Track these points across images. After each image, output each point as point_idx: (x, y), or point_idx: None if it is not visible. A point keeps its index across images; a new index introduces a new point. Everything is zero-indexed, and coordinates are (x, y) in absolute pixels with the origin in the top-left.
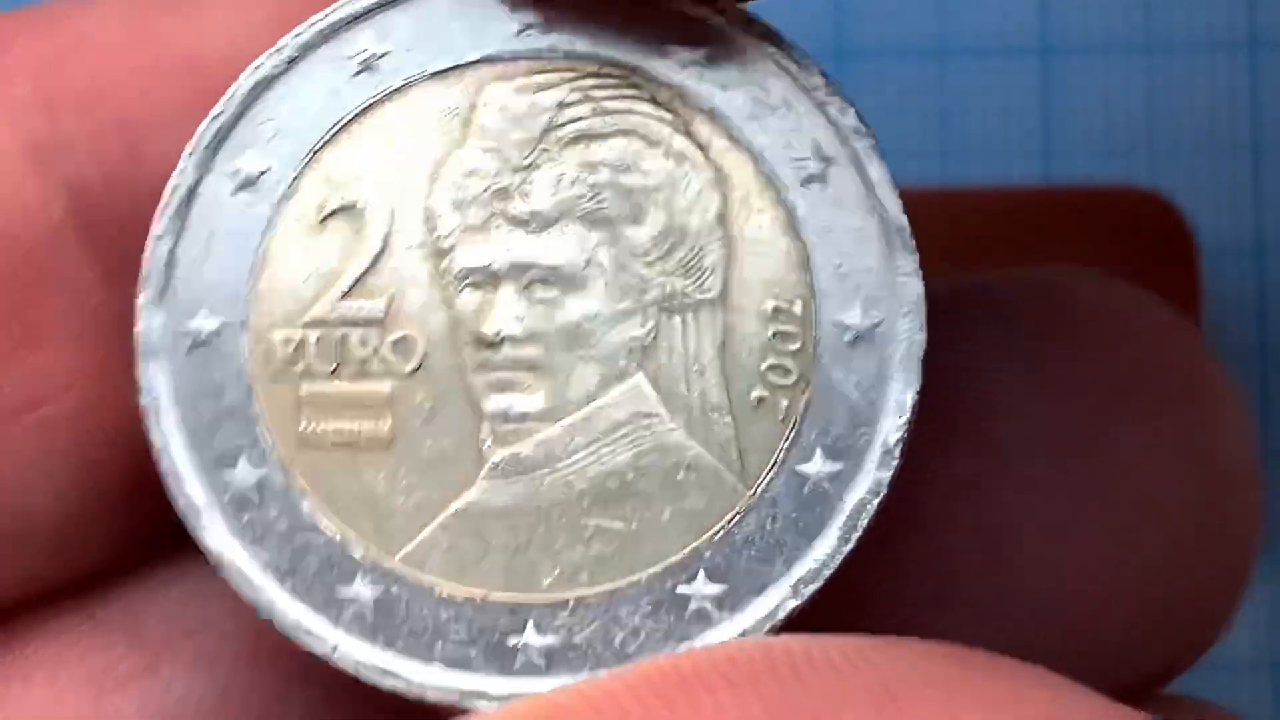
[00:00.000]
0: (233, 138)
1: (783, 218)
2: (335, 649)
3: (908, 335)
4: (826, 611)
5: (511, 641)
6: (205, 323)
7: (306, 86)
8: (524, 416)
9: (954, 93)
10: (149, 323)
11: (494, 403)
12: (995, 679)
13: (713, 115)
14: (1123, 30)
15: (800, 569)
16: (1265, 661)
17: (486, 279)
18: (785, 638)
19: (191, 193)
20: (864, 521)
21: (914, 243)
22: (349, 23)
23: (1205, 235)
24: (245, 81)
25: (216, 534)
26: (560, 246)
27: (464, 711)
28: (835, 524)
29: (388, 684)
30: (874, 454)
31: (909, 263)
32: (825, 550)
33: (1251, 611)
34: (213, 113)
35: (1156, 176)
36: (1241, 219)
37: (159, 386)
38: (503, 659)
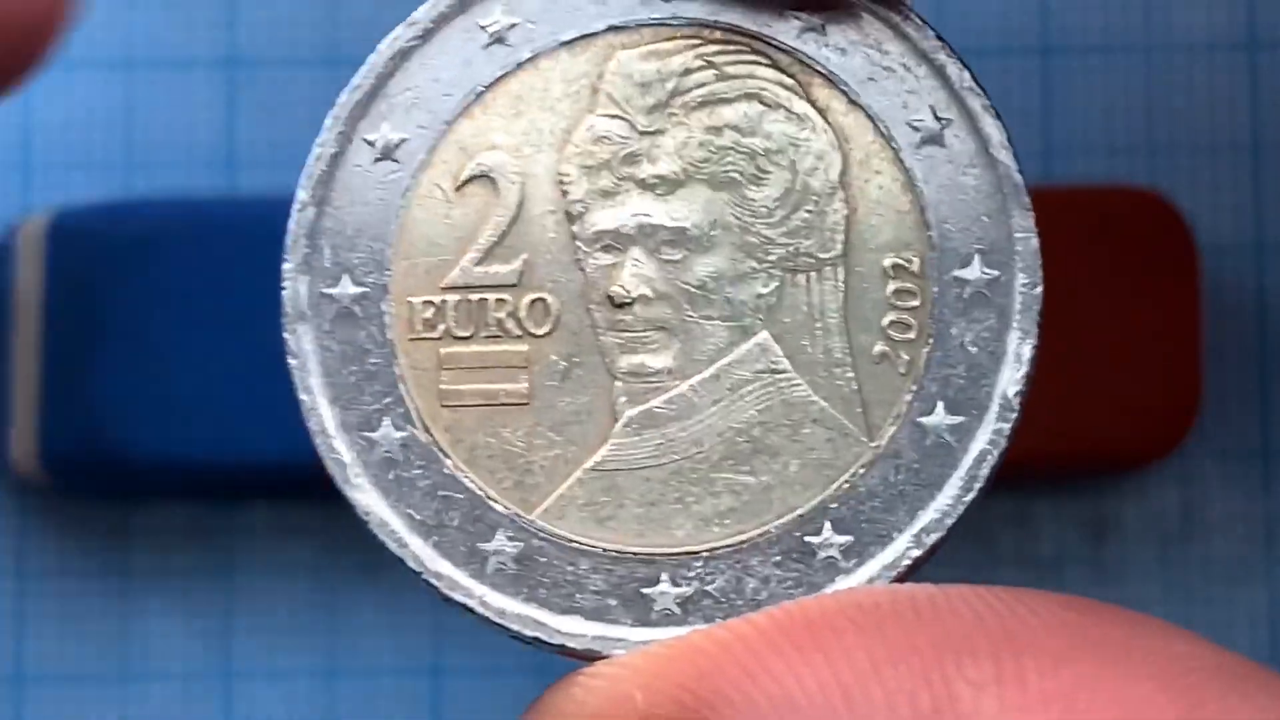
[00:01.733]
0: (372, 108)
1: (901, 178)
2: (481, 600)
3: (1025, 289)
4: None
5: (647, 591)
6: (348, 289)
7: (441, 57)
8: (655, 374)
9: None
10: (295, 289)
11: (626, 361)
12: (1113, 628)
13: (831, 79)
14: (1122, 30)
15: (924, 519)
16: (1265, 660)
17: (616, 241)
18: (910, 585)
19: (334, 162)
20: (984, 471)
21: (1029, 199)
22: None
23: (1205, 235)
24: (384, 53)
25: (364, 491)
26: (686, 209)
27: (603, 656)
28: (957, 474)
29: (530, 633)
30: (994, 406)
31: (1024, 219)
32: (948, 500)
33: (1252, 611)
34: (352, 84)
35: (1156, 176)
36: (1241, 219)
37: (305, 349)
38: (640, 608)
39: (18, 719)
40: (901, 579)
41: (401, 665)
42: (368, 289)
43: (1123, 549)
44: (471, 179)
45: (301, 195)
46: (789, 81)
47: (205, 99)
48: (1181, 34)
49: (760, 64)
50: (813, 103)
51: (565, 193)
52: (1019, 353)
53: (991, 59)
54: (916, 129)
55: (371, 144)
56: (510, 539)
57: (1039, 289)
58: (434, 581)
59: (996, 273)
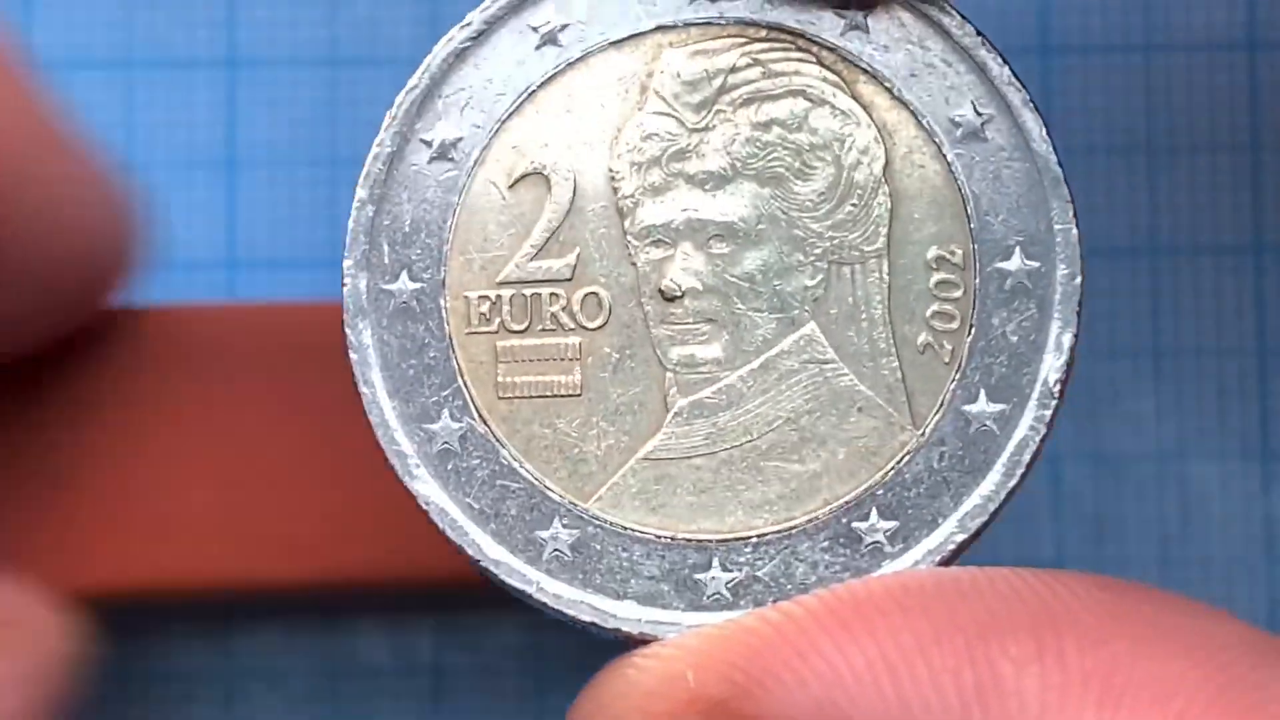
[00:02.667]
0: (427, 108)
1: (943, 171)
2: (537, 587)
3: (1065, 280)
4: None
5: (699, 576)
6: (407, 284)
7: (494, 58)
8: (705, 365)
9: None
10: (355, 285)
11: (676, 353)
12: (1146, 607)
13: (875, 75)
14: (1122, 30)
15: (968, 504)
16: None
17: (666, 236)
18: (954, 568)
19: (391, 161)
20: (1027, 457)
21: (1068, 190)
22: None
23: (1204, 235)
24: (439, 54)
25: (425, 481)
26: (734, 204)
27: (656, 639)
28: (1000, 460)
29: (586, 619)
30: (1035, 393)
31: (1064, 210)
32: (991, 486)
33: (1252, 611)
34: (408, 84)
35: (1156, 176)
36: (1241, 219)
37: (366, 343)
38: (692, 593)
39: None
40: (946, 563)
41: (401, 665)
42: (425, 284)
43: (1123, 549)
44: (525, 176)
45: (360, 194)
46: (833, 78)
47: (205, 99)
48: (1181, 34)
49: (806, 61)
50: (857, 99)
51: (616, 189)
52: (1060, 341)
53: None
54: (958, 124)
55: (428, 143)
56: (566, 526)
57: (1079, 279)
58: (492, 569)
59: (1037, 264)
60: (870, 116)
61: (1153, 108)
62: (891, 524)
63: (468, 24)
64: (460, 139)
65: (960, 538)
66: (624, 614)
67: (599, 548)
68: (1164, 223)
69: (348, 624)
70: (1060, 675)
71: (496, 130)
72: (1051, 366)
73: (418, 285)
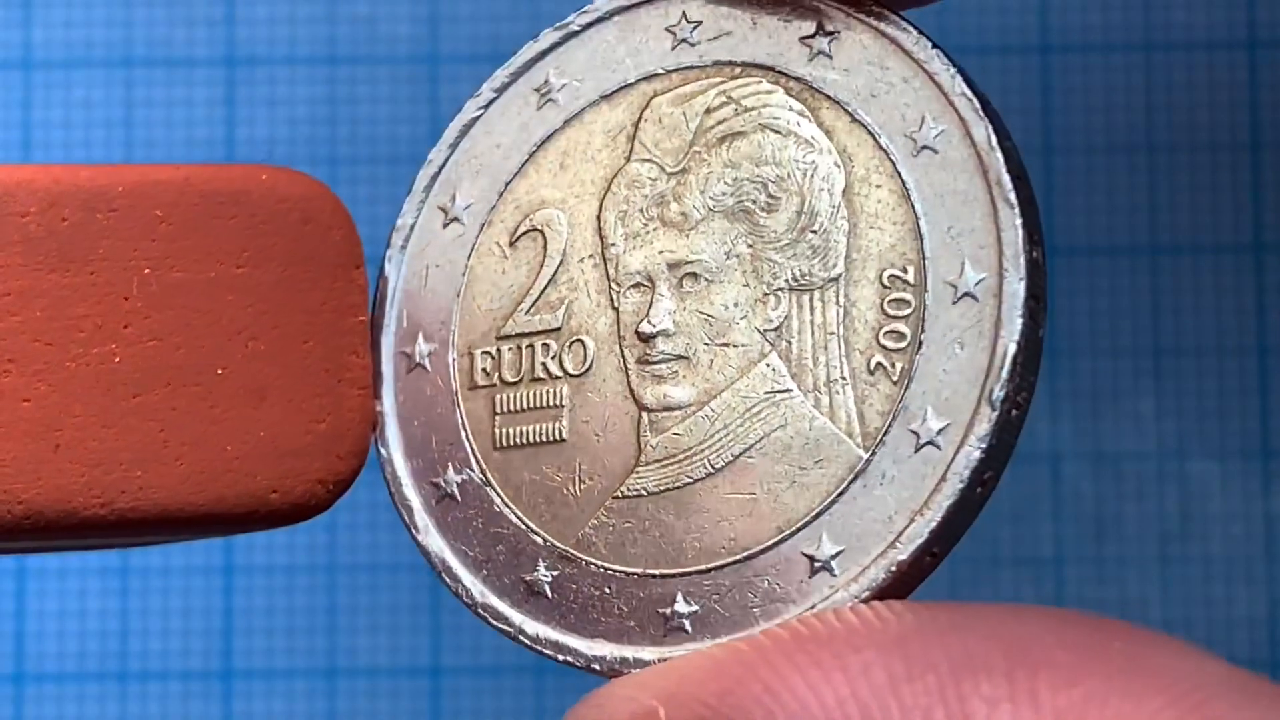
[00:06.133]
0: (442, 177)
1: (898, 189)
2: (519, 629)
3: (1008, 287)
4: None
5: (663, 610)
6: (422, 346)
7: (501, 123)
8: (676, 405)
9: None
10: (380, 350)
11: (651, 393)
12: (1125, 644)
13: (836, 100)
14: (1122, 29)
15: (914, 524)
16: (1265, 660)
17: (646, 280)
18: (930, 603)
19: (411, 231)
20: (969, 474)
21: (1015, 195)
22: (535, 60)
23: (1204, 234)
24: (453, 127)
25: (430, 535)
26: (704, 243)
27: (620, 674)
28: (944, 479)
29: (562, 659)
30: (978, 408)
31: (1010, 216)
32: (935, 505)
33: (1251, 611)
34: (429, 158)
35: (1155, 175)
36: (1242, 219)
37: (386, 405)
38: (657, 627)
39: (18, 718)
40: (900, 584)
41: (401, 665)
42: (437, 345)
43: (1122, 549)
44: (524, 234)
45: (388, 270)
46: (798, 106)
47: (205, 98)
48: (1181, 33)
49: (774, 93)
50: (820, 125)
51: (603, 238)
52: (1004, 352)
53: (992, 58)
54: (912, 139)
55: (444, 210)
56: (548, 568)
57: (1021, 283)
58: (483, 613)
59: (984, 274)
60: (831, 141)
61: (1153, 108)
62: (839, 548)
63: (479, 94)
64: (471, 204)
65: (902, 559)
66: (596, 652)
67: (575, 587)
68: (1164, 223)
69: (348, 625)
70: (1033, 714)
71: (501, 191)
72: (994, 379)
73: (431, 346)
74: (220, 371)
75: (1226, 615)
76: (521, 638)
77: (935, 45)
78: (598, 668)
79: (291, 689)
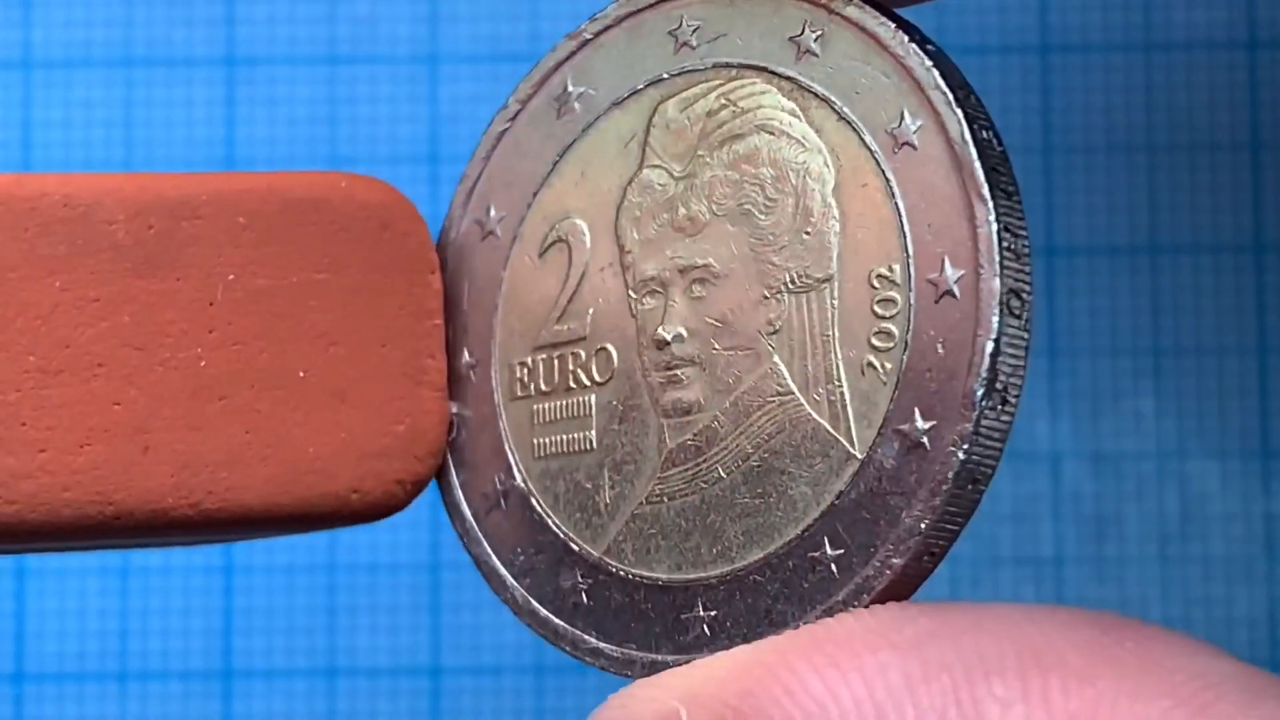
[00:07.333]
0: (477, 190)
1: (882, 186)
2: (559, 634)
3: (984, 283)
4: None
5: (685, 616)
6: (467, 359)
7: (526, 135)
8: (689, 408)
9: None
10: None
11: (666, 398)
12: (1136, 643)
13: (823, 98)
14: (1122, 29)
15: (904, 525)
16: (1265, 660)
17: (659, 286)
18: (945, 604)
19: (452, 245)
20: (951, 473)
21: (988, 190)
22: (554, 70)
23: (1204, 234)
24: (485, 141)
25: (480, 545)
26: (710, 247)
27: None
28: (930, 478)
29: (600, 664)
30: (960, 405)
31: (984, 210)
32: (921, 505)
33: (1252, 611)
34: (465, 173)
35: (1155, 174)
36: (1241, 219)
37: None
38: (678, 632)
39: (18, 718)
40: (897, 586)
41: (401, 665)
42: (479, 358)
43: (1123, 549)
44: (552, 244)
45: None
46: (790, 105)
47: (205, 98)
48: (1181, 33)
49: (768, 93)
50: (810, 124)
51: (621, 246)
52: (981, 349)
53: (992, 58)
54: (893, 135)
55: (480, 224)
56: (583, 576)
57: (996, 281)
58: (529, 620)
59: (962, 271)
60: (821, 140)
61: (1153, 107)
62: (839, 551)
63: (506, 107)
64: (504, 216)
65: (897, 561)
66: (626, 656)
67: (608, 594)
68: (1164, 223)
69: (348, 625)
70: (1044, 716)
71: (530, 203)
72: (974, 376)
73: (474, 359)
74: (302, 375)
75: (1226, 615)
76: (563, 644)
77: (914, 40)
78: (629, 674)
79: (291, 689)
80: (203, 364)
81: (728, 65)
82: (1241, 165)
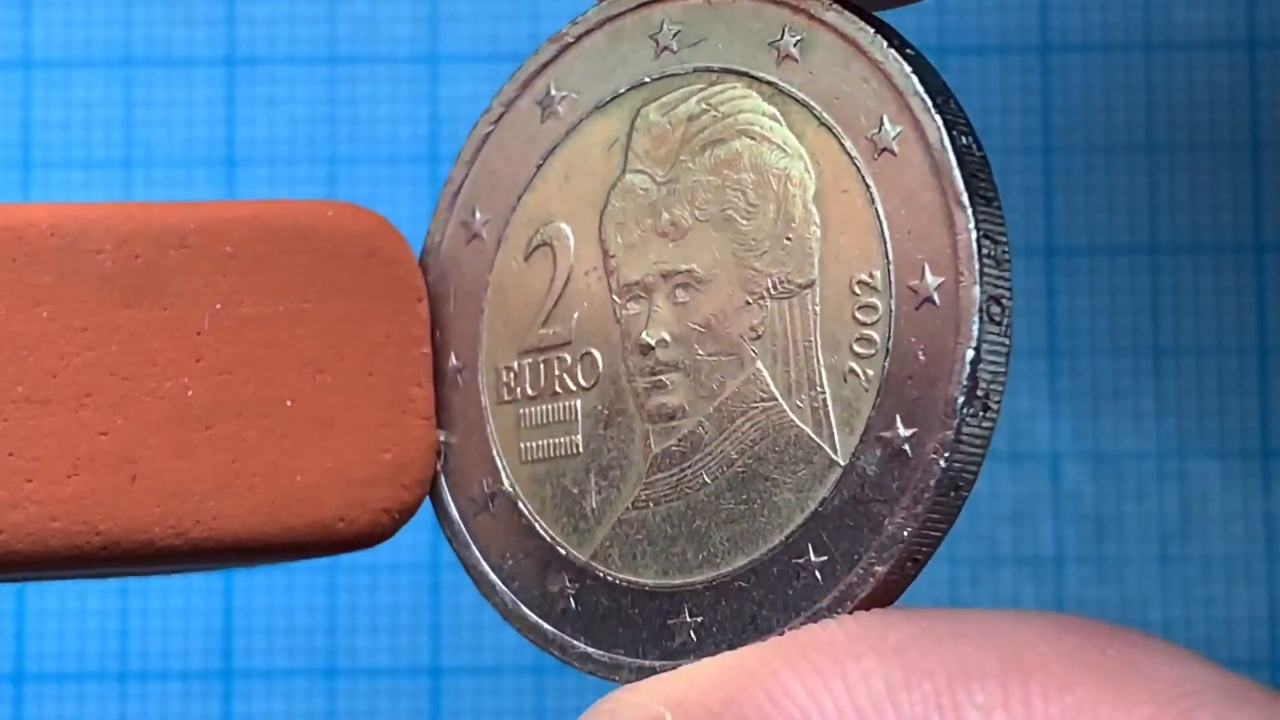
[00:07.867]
0: (463, 194)
1: (863, 192)
2: (548, 639)
3: (964, 290)
4: None
5: (671, 622)
6: (454, 363)
7: (510, 137)
8: (673, 414)
9: (954, 89)
10: None
11: (650, 404)
12: (1118, 650)
13: (805, 103)
14: (1122, 28)
15: (885, 533)
16: (1265, 660)
17: (642, 291)
18: (928, 610)
19: (437, 251)
20: (933, 481)
21: (967, 196)
22: (537, 73)
23: (1205, 234)
24: (469, 144)
25: (469, 549)
26: (693, 252)
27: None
28: (913, 485)
29: (587, 668)
30: (941, 413)
31: (963, 218)
32: (904, 513)
33: (1251, 611)
34: (450, 176)
35: (1155, 175)
36: (1241, 219)
37: None
38: (665, 637)
39: (18, 718)
40: (881, 592)
41: (401, 665)
42: (468, 362)
43: (1123, 548)
44: (536, 248)
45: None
46: (770, 110)
47: (205, 98)
48: (1181, 33)
49: (748, 98)
50: (790, 129)
51: (605, 250)
52: (962, 356)
53: (991, 58)
54: (873, 141)
55: (466, 226)
56: (570, 581)
57: (976, 288)
58: (517, 625)
59: (942, 278)
60: (802, 145)
61: (1153, 107)
62: (822, 557)
63: (490, 110)
64: (490, 219)
65: (880, 569)
66: (615, 661)
67: (595, 600)
68: (1164, 223)
69: (348, 625)
70: None
71: (515, 206)
72: (954, 384)
73: (461, 363)
74: (289, 403)
75: (1226, 615)
76: (552, 649)
77: (893, 45)
78: (617, 679)
79: (291, 689)
80: (190, 393)
81: (708, 69)
82: (1241, 165)
